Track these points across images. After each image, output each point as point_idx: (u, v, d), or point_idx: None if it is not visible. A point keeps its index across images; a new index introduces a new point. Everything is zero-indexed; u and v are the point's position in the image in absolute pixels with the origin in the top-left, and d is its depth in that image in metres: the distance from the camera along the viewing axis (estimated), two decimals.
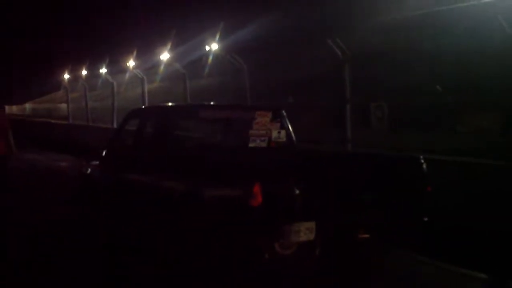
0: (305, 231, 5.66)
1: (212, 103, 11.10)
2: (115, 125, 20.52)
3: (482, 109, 13.68)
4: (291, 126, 7.95)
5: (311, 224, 5.69)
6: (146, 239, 7.08)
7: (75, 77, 28.90)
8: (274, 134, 7.57)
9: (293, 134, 7.97)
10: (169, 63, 18.60)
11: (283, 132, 7.67)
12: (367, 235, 6.21)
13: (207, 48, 16.82)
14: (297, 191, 5.77)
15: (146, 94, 18.04)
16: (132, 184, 7.71)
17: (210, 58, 16.55)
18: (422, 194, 6.29)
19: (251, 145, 7.43)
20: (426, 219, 6.26)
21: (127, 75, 21.23)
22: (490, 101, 12.83)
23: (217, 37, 16.53)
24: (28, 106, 67.60)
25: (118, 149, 8.55)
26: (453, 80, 14.84)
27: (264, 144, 7.49)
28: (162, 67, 19.07)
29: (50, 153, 20.78)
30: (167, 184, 6.84)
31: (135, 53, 21.79)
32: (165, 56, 19.20)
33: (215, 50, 16.34)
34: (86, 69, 27.65)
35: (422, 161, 6.42)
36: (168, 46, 19.51)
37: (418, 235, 6.61)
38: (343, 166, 6.38)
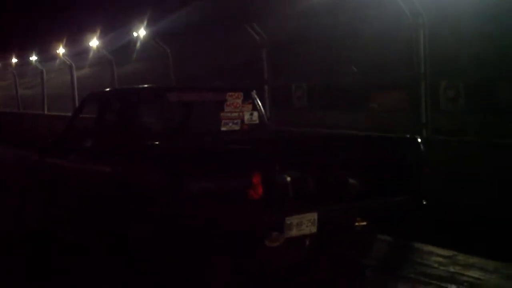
0: (307, 223, 5.01)
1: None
2: (45, 111, 20.84)
3: (393, 89, 14.59)
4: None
5: (313, 215, 5.06)
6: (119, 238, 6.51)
7: (4, 65, 28.61)
8: (247, 116, 7.25)
9: (265, 116, 7.64)
10: (98, 50, 18.85)
11: (255, 114, 7.35)
12: (364, 223, 5.80)
13: (134, 34, 17.11)
14: (298, 178, 5.37)
15: (75, 81, 18.44)
16: (100, 177, 6.93)
17: (138, 44, 16.93)
18: (420, 176, 5.98)
19: (223, 128, 7.01)
20: (424, 202, 5.96)
21: (57, 62, 21.36)
22: (398, 83, 13.75)
23: (145, 23, 16.88)
24: None
25: (77, 139, 7.64)
26: (366, 63, 15.75)
27: (237, 127, 7.10)
28: (91, 54, 19.22)
29: None
30: (145, 177, 6.14)
31: (64, 40, 21.82)
32: (94, 42, 19.30)
33: (142, 37, 16.72)
34: (15, 57, 27.45)
35: (419, 141, 6.09)
36: (98, 33, 19.63)
37: (416, 218, 6.38)
38: (335, 149, 5.94)
